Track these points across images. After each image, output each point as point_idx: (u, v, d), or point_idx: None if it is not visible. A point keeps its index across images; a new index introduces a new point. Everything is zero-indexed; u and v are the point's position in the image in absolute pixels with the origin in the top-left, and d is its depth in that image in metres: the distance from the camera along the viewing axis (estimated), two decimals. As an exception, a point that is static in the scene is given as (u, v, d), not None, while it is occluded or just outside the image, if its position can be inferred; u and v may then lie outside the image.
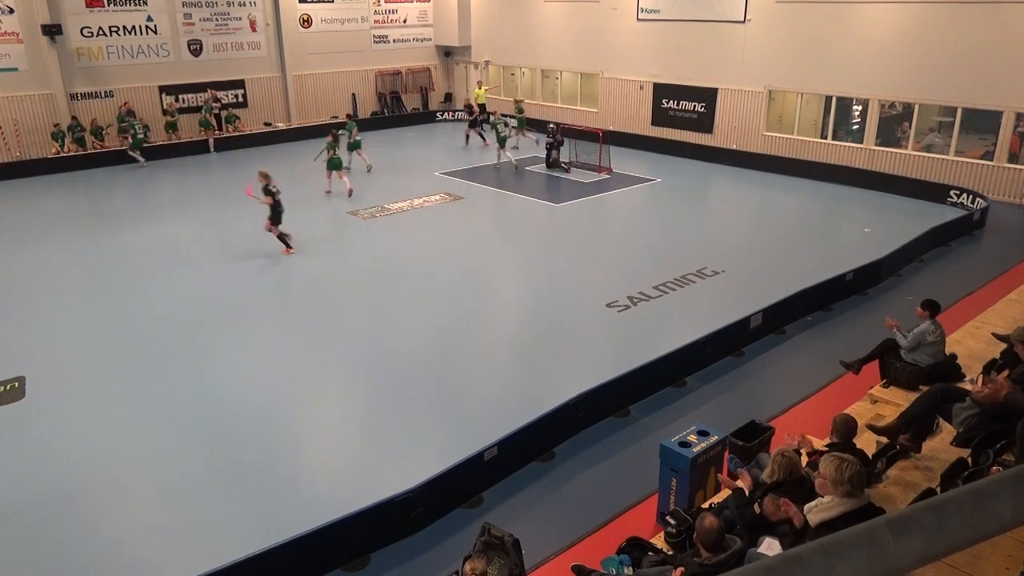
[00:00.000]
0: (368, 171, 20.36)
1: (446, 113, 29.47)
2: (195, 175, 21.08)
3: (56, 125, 21.43)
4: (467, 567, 4.85)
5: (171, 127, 23.48)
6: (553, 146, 21.11)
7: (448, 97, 31.00)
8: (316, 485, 7.58)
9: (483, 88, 27.10)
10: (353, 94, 28.09)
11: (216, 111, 24.22)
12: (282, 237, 14.05)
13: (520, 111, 24.48)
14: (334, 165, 18.16)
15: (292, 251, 13.99)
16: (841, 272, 11.89)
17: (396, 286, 12.70)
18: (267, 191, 13.70)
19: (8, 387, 9.26)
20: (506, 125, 21.84)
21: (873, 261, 12.44)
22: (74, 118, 21.83)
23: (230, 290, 12.54)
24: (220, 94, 24.93)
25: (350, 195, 18.00)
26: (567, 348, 10.50)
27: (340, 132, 19.19)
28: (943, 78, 17.57)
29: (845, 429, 5.73)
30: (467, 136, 24.24)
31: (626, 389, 8.81)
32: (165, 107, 23.96)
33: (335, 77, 27.63)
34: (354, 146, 20.18)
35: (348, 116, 22.32)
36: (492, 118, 22.65)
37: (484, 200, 18.19)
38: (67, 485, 7.56)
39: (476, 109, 24.97)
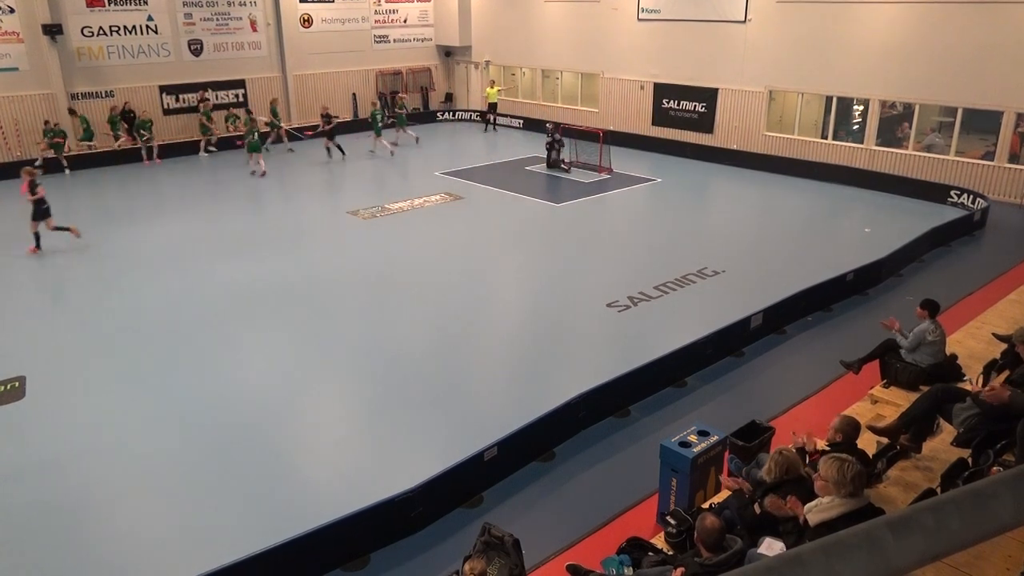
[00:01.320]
0: (263, 175, 20.20)
1: (447, 113, 29.53)
2: (194, 175, 21.05)
3: (56, 124, 21.40)
4: (467, 567, 4.85)
5: (205, 130, 23.09)
6: (552, 146, 21.08)
7: (449, 97, 31.00)
8: (316, 485, 7.58)
9: (495, 87, 27.15)
10: (354, 94, 28.10)
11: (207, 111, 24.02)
12: (37, 236, 14.10)
13: (402, 107, 24.49)
14: (253, 148, 20.04)
15: (38, 251, 14.11)
16: (842, 272, 11.89)
17: (396, 286, 12.70)
18: (32, 188, 13.88)
19: (8, 387, 9.26)
20: (379, 117, 22.77)
21: (874, 261, 12.44)
22: (46, 122, 21.06)
23: (230, 289, 12.53)
24: (217, 94, 24.93)
25: (263, 175, 19.83)
26: (567, 348, 10.49)
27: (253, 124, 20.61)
28: (943, 78, 17.57)
29: (851, 430, 5.73)
30: (328, 150, 21.76)
31: (626, 389, 8.80)
32: (200, 107, 23.81)
33: (335, 77, 27.62)
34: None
35: (247, 112, 22.93)
36: (372, 109, 23.58)
37: (484, 200, 18.20)
38: (67, 485, 7.56)
39: (333, 122, 22.11)
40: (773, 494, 5.02)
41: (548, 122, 21.99)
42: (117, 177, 20.76)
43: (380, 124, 22.83)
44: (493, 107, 27.06)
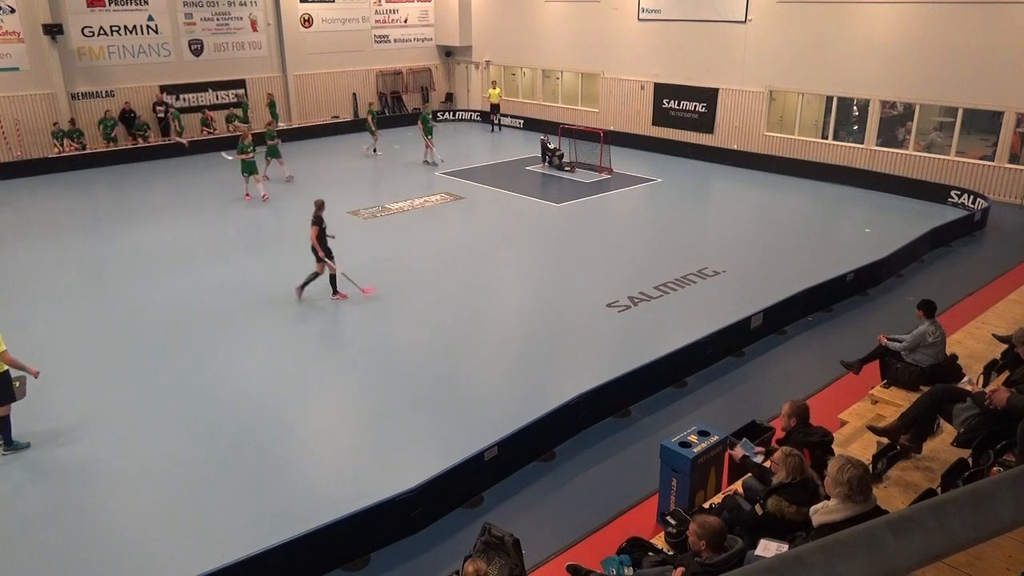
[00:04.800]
0: (287, 180, 19.52)
1: (447, 113, 29.52)
2: (193, 175, 21.04)
3: (55, 124, 21.45)
4: (467, 567, 4.84)
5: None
6: (551, 161, 21.08)
7: (449, 97, 31.00)
8: (316, 485, 7.58)
9: (497, 88, 27.18)
10: (354, 94, 28.11)
11: (161, 115, 23.58)
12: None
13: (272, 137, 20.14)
14: (248, 169, 17.54)
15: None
16: (842, 272, 11.89)
17: (396, 286, 12.69)
18: None
19: (9, 386, 9.23)
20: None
21: (874, 261, 12.44)
22: (54, 124, 21.47)
23: (230, 290, 12.53)
24: (217, 94, 24.94)
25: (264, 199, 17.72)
26: (567, 348, 10.50)
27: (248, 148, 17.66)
28: (944, 78, 17.57)
29: (803, 411, 5.93)
30: None
31: (627, 389, 8.81)
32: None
33: (336, 77, 27.63)
34: (273, 152, 19.49)
35: (268, 124, 20.77)
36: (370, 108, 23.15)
37: (485, 200, 18.19)
38: (67, 485, 7.57)
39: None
40: (777, 495, 5.02)
41: (542, 137, 21.86)
42: (119, 176, 20.75)
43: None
44: (496, 108, 27.06)
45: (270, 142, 19.52)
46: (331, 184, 19.49)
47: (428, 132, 21.39)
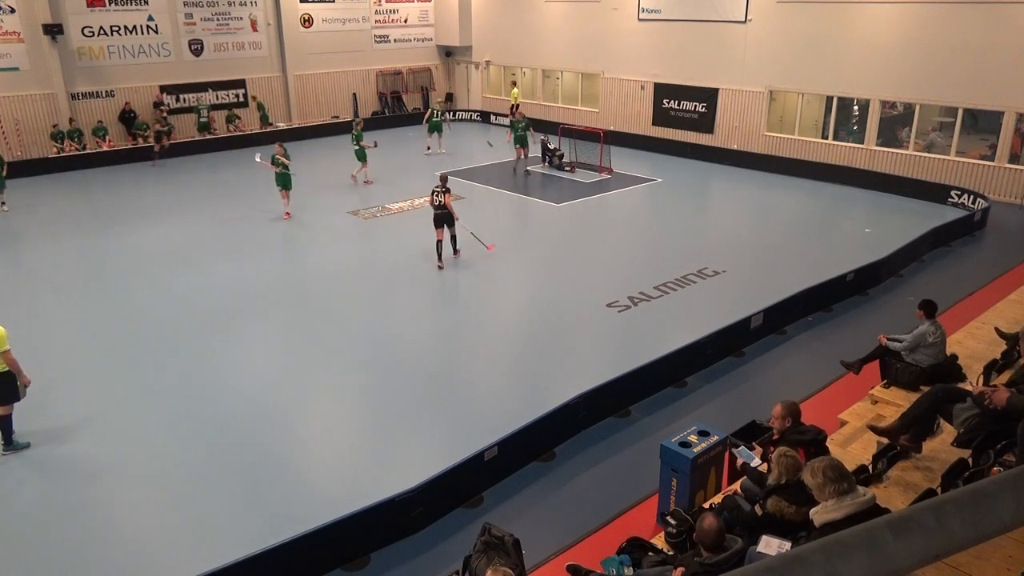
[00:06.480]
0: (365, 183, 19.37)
1: (447, 113, 29.51)
2: (193, 175, 21.06)
3: (55, 126, 21.44)
4: (467, 567, 4.84)
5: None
6: (551, 160, 21.10)
7: (449, 97, 31.00)
8: (316, 485, 7.58)
9: (516, 89, 27.20)
10: (354, 94, 28.12)
11: (164, 114, 23.39)
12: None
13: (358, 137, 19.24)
14: (283, 183, 16.25)
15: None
16: (842, 272, 11.89)
17: (396, 286, 12.70)
18: None
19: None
20: None
21: (874, 261, 12.44)
22: (54, 126, 21.45)
23: (231, 290, 12.53)
24: (218, 94, 24.96)
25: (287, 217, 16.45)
26: (567, 348, 10.49)
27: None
28: (944, 78, 17.57)
29: (796, 410, 5.93)
30: None
31: (627, 389, 8.81)
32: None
33: (336, 77, 27.64)
34: (360, 156, 18.94)
35: (358, 124, 19.56)
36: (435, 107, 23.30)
37: (485, 200, 18.19)
38: (67, 485, 7.57)
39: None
40: (777, 496, 5.02)
41: (542, 136, 21.82)
42: (119, 176, 20.75)
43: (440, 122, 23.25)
44: (514, 109, 27.03)
45: (356, 145, 18.86)
46: (332, 184, 19.50)
47: (518, 141, 20.60)
